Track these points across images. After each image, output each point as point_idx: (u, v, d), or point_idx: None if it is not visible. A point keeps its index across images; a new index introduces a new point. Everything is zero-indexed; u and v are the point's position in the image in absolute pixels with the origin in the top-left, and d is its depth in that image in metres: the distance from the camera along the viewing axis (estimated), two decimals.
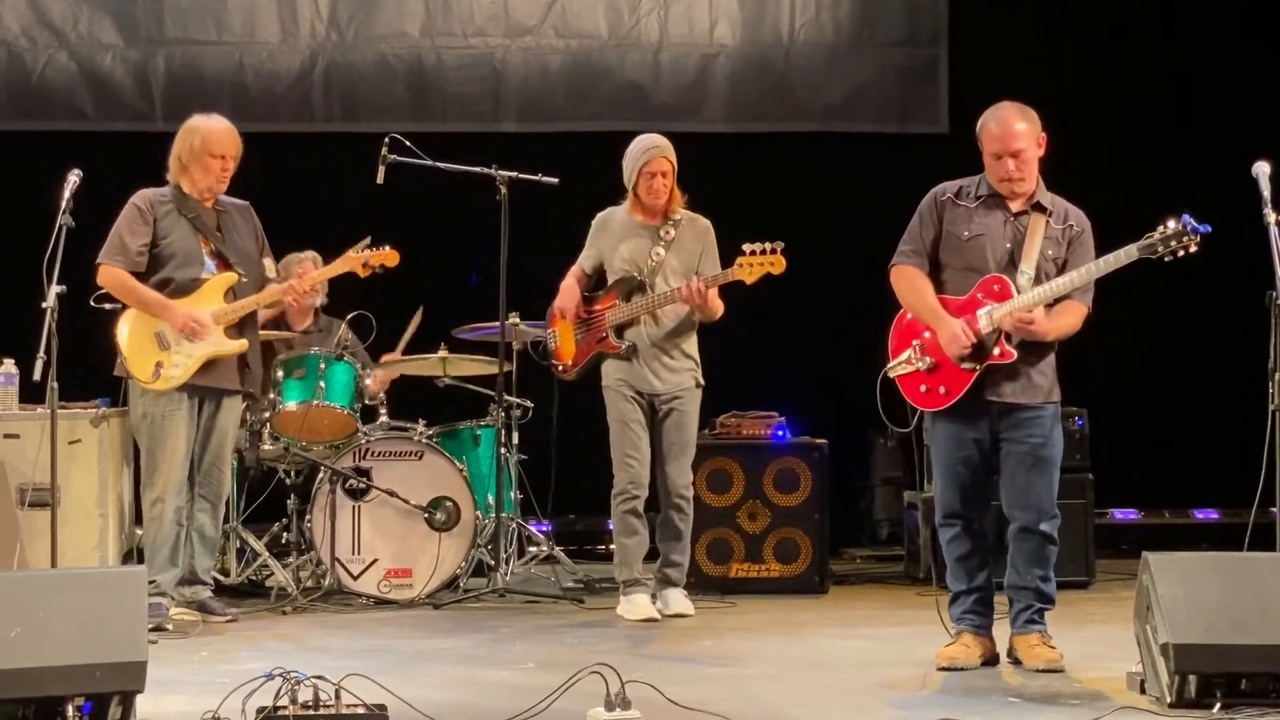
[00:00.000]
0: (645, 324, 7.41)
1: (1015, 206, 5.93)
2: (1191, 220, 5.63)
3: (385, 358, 8.35)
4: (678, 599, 7.40)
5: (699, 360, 7.49)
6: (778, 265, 7.22)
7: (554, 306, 7.59)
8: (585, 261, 7.57)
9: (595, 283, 7.58)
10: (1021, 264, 5.83)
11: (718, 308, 7.43)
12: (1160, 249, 5.66)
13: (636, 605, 7.30)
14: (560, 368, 7.65)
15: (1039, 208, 5.92)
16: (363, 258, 7.32)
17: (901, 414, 6.05)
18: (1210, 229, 5.63)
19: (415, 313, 8.36)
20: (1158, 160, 9.60)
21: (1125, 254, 5.70)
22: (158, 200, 7.11)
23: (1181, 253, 5.64)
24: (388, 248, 7.35)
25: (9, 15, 9.60)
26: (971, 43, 9.94)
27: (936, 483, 6.09)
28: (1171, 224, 5.65)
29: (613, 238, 7.50)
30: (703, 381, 7.49)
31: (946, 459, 5.97)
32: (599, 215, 7.58)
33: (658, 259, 7.40)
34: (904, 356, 5.97)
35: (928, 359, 5.92)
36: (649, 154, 7.39)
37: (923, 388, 5.94)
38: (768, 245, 7.24)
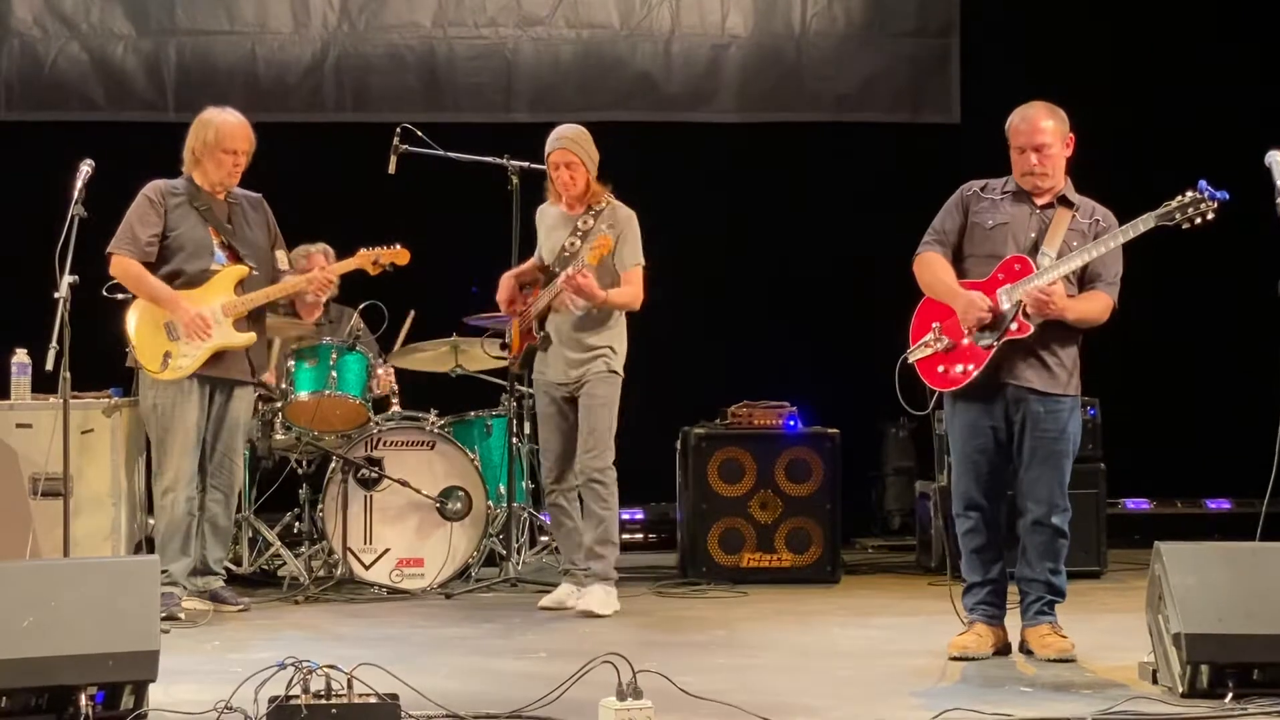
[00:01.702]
0: (555, 315, 7.27)
1: (1041, 201, 5.93)
2: (1208, 186, 5.60)
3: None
4: (593, 595, 7.10)
5: (617, 348, 7.24)
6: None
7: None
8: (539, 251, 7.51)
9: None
10: (1044, 246, 5.83)
11: (612, 297, 7.14)
12: (1178, 216, 5.63)
13: (550, 595, 7.28)
14: (509, 360, 7.64)
15: (1065, 202, 5.92)
16: (374, 255, 7.32)
17: (919, 403, 6.04)
18: (1228, 195, 5.60)
19: (408, 316, 8.30)
20: (1159, 157, 9.56)
21: (1142, 222, 5.68)
22: (169, 191, 7.11)
23: (1199, 220, 5.61)
24: (399, 246, 7.35)
25: (21, 6, 9.61)
26: (983, 33, 9.92)
27: (954, 473, 6.08)
28: (1189, 191, 5.63)
29: (544, 228, 7.42)
30: (617, 369, 7.24)
31: (963, 448, 5.97)
32: (540, 207, 7.48)
33: (571, 249, 7.22)
34: (924, 340, 5.96)
35: (946, 339, 5.90)
36: (551, 145, 7.25)
37: (940, 368, 5.93)
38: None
